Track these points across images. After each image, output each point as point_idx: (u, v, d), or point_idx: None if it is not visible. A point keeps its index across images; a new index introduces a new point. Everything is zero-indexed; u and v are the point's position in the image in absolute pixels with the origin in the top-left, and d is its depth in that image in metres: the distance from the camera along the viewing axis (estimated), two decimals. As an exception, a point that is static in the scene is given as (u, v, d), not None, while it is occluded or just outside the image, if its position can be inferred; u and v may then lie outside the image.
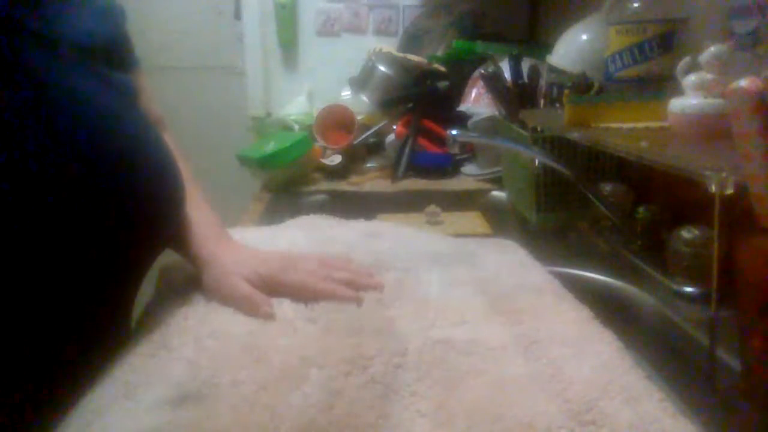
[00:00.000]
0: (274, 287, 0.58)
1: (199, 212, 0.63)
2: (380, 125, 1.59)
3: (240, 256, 0.60)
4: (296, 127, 1.64)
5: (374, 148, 1.60)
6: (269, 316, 0.54)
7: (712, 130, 0.65)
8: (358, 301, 0.57)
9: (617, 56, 0.88)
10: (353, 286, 0.59)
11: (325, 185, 1.44)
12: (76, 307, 0.51)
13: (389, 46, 1.77)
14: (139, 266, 0.57)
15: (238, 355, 0.48)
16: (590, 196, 0.90)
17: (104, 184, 0.49)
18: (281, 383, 0.45)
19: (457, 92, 1.53)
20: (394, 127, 1.53)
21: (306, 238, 0.76)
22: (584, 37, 1.10)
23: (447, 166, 1.50)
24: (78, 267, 0.49)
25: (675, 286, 0.77)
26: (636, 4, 0.86)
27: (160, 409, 0.42)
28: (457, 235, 0.85)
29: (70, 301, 0.50)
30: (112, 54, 0.56)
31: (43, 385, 0.50)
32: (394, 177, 1.46)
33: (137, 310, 0.60)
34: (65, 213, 0.47)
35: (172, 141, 0.65)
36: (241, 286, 0.56)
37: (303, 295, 0.57)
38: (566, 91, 1.01)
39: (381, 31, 1.87)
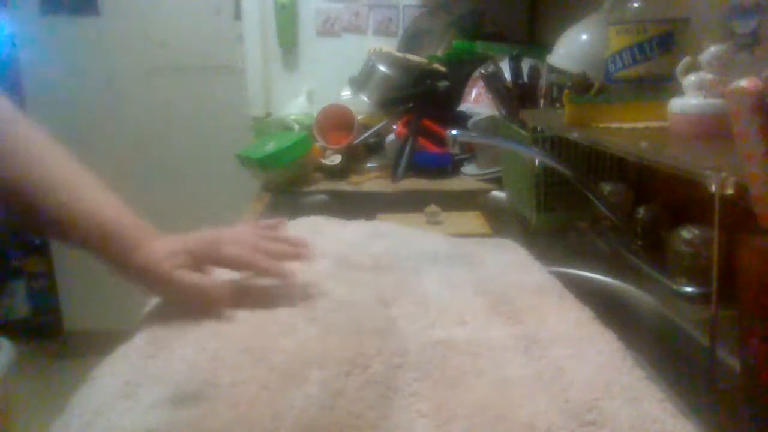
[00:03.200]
0: (209, 263, 0.57)
1: (111, 211, 0.56)
2: (380, 125, 1.59)
3: (168, 247, 0.57)
4: (296, 127, 1.64)
5: (374, 148, 1.60)
6: (226, 299, 0.54)
7: (712, 130, 0.65)
8: (282, 275, 0.58)
9: (617, 56, 0.88)
10: (282, 257, 0.60)
11: (325, 185, 1.44)
12: None
13: (389, 46, 1.77)
14: None
15: (238, 355, 0.48)
16: (590, 196, 0.90)
17: None
18: (282, 383, 0.45)
19: (457, 92, 1.53)
20: (394, 127, 1.53)
21: (306, 238, 0.76)
22: (584, 37, 1.10)
23: (447, 166, 1.50)
24: None
25: (675, 286, 0.77)
26: (636, 4, 0.86)
27: (160, 409, 0.42)
28: (457, 235, 0.84)
29: None
30: None
31: None
32: (394, 177, 1.46)
33: (137, 310, 0.60)
34: None
35: None
36: (186, 279, 0.55)
37: (238, 266, 0.58)
38: (566, 91, 1.00)
39: (381, 31, 1.87)
